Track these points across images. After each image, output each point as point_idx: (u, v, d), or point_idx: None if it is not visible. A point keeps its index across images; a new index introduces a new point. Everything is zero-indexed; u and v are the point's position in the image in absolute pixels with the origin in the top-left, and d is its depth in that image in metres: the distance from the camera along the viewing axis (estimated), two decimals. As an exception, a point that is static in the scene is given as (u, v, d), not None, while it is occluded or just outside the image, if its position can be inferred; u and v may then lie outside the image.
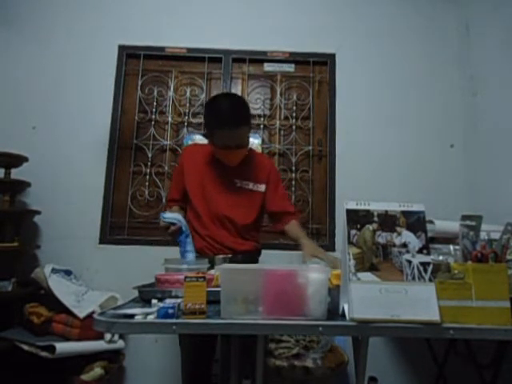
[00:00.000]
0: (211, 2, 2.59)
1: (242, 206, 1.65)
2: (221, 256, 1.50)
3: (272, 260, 2.01)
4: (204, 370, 1.62)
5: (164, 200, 2.40)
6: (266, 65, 2.59)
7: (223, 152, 1.58)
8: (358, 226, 1.01)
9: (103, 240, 2.34)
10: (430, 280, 0.96)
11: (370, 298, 0.94)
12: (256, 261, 1.73)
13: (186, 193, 1.68)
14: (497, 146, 2.14)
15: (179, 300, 0.98)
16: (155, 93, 2.52)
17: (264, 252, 1.80)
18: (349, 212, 1.03)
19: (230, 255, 1.52)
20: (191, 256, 1.51)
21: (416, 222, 1.02)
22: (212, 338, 1.62)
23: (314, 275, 0.97)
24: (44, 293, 2.03)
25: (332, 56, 2.57)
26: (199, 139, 2.42)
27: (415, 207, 1.04)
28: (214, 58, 2.54)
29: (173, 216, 1.54)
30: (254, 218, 1.68)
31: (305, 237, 1.64)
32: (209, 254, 1.56)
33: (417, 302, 0.93)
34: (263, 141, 2.51)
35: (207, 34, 2.55)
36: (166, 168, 2.47)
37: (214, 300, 0.99)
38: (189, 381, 1.59)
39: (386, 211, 1.03)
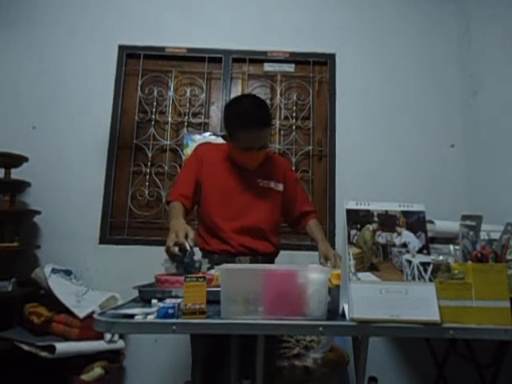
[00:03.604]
0: (211, 2, 2.59)
1: (266, 205, 1.60)
2: (241, 257, 1.49)
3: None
4: (216, 371, 1.56)
5: (164, 200, 2.40)
6: (266, 65, 2.59)
7: (245, 154, 1.52)
8: (358, 226, 1.01)
9: (103, 240, 2.34)
10: (430, 280, 0.96)
11: (370, 298, 0.93)
12: (273, 262, 1.68)
13: (198, 189, 1.59)
14: (497, 146, 2.14)
15: (179, 300, 0.98)
16: (155, 93, 2.52)
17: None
18: (349, 212, 1.03)
19: (249, 257, 1.50)
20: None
21: (416, 222, 1.02)
22: (224, 338, 1.59)
23: (314, 275, 0.96)
24: (44, 293, 2.03)
25: (332, 56, 2.57)
26: (199, 139, 2.42)
27: (415, 207, 1.04)
28: (214, 58, 2.54)
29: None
30: (277, 218, 1.66)
31: (322, 239, 1.60)
32: (229, 256, 1.51)
33: (417, 302, 0.93)
34: (263, 141, 2.50)
35: (207, 33, 2.55)
36: (166, 168, 2.46)
37: (214, 300, 0.99)
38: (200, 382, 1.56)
39: (386, 211, 1.03)
